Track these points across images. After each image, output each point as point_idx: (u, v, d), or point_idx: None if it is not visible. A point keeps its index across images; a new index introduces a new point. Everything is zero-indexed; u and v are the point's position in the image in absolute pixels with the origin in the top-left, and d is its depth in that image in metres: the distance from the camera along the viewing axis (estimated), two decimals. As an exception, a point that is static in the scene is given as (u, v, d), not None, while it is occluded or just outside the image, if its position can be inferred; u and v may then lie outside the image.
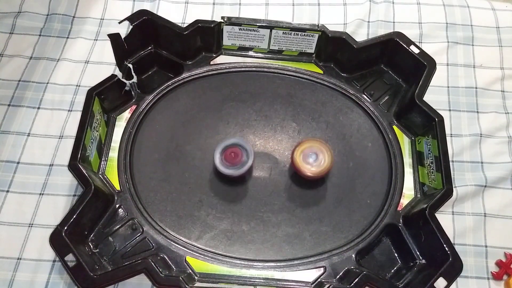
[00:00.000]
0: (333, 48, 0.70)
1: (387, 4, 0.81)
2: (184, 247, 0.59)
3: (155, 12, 0.73)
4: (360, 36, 0.78)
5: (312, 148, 0.61)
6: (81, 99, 0.67)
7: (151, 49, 0.71)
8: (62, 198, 0.64)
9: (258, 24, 0.69)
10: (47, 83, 0.72)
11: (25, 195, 0.64)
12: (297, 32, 0.70)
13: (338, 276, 0.57)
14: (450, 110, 0.72)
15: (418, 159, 0.66)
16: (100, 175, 0.62)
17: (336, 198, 0.63)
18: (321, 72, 0.72)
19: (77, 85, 0.73)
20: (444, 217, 0.63)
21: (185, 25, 0.70)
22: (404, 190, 0.64)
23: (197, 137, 0.67)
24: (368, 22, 0.80)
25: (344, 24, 0.80)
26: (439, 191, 0.59)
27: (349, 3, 0.82)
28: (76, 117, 0.64)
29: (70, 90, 0.72)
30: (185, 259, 0.58)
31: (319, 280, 0.57)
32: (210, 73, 0.72)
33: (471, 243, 0.63)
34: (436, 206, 0.57)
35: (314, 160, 0.61)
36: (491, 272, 0.61)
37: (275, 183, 0.64)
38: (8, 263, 0.59)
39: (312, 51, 0.72)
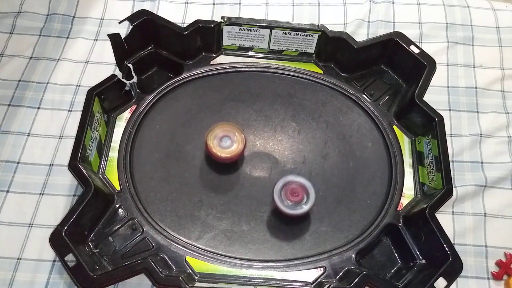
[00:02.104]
0: (333, 48, 0.70)
1: (387, 4, 0.81)
2: (184, 247, 0.59)
3: (155, 12, 0.73)
4: (360, 36, 0.78)
5: (224, 132, 0.62)
6: (81, 99, 0.67)
7: (151, 49, 0.71)
8: (62, 198, 0.64)
9: (258, 24, 0.69)
10: (47, 83, 0.72)
11: (25, 195, 0.64)
12: (297, 32, 0.70)
13: (338, 276, 0.57)
14: (450, 110, 0.72)
15: (418, 159, 0.66)
16: (100, 175, 0.62)
17: (336, 198, 0.63)
18: (321, 72, 0.72)
19: (77, 85, 0.73)
20: (444, 217, 0.63)
21: (185, 25, 0.70)
22: (404, 190, 0.64)
23: (197, 137, 0.67)
24: (368, 22, 0.80)
25: (344, 24, 0.80)
26: (439, 191, 0.59)
27: (349, 3, 0.82)
28: (76, 117, 0.64)
29: (70, 90, 0.72)
30: (185, 259, 0.58)
31: (319, 280, 0.57)
32: (210, 73, 0.72)
33: (471, 243, 0.63)
34: (436, 206, 0.57)
35: (227, 144, 0.61)
36: (491, 272, 0.61)
37: (275, 183, 0.64)
38: (8, 263, 0.59)
39: (312, 51, 0.73)
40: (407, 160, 0.66)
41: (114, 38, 0.65)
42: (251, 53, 0.73)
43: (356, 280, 0.53)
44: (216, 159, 0.62)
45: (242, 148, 0.61)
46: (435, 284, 0.52)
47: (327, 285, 0.54)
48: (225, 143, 0.61)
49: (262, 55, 0.74)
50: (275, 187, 0.59)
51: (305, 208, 0.58)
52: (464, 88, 0.74)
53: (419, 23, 0.80)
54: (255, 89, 0.71)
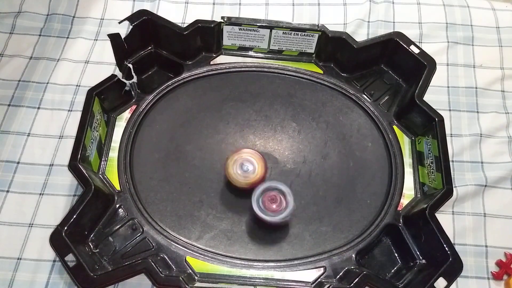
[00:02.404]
0: (333, 48, 0.70)
1: (387, 4, 0.81)
2: (184, 247, 0.59)
3: (155, 12, 0.73)
4: (360, 36, 0.78)
5: (245, 158, 0.59)
6: (81, 99, 0.67)
7: (151, 49, 0.71)
8: (62, 198, 0.64)
9: (258, 24, 0.69)
10: (47, 83, 0.72)
11: (25, 195, 0.64)
12: (297, 32, 0.70)
13: (338, 276, 0.57)
14: (450, 110, 0.72)
15: (418, 159, 0.66)
16: (100, 175, 0.62)
17: (336, 198, 0.63)
18: (321, 72, 0.72)
19: (77, 85, 0.73)
20: (444, 217, 0.63)
21: (185, 25, 0.70)
22: (404, 190, 0.64)
23: (197, 137, 0.67)
24: (368, 22, 0.80)
25: (344, 24, 0.80)
26: (439, 191, 0.59)
27: (349, 3, 0.82)
28: (76, 117, 0.64)
29: (70, 90, 0.72)
30: (185, 259, 0.58)
31: (319, 280, 0.57)
32: (210, 73, 0.72)
33: (471, 243, 0.63)
34: (436, 206, 0.57)
35: (247, 171, 0.59)
36: (491, 272, 0.61)
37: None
38: (8, 263, 0.59)
39: (312, 51, 0.72)
40: (407, 160, 0.66)
41: (114, 38, 0.65)
42: (251, 53, 0.73)
43: (356, 280, 0.53)
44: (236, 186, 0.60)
45: (263, 175, 0.59)
46: (435, 284, 0.52)
47: (327, 285, 0.54)
48: (246, 171, 0.58)
49: (262, 55, 0.74)
50: (253, 194, 0.57)
51: (281, 216, 0.56)
52: (464, 88, 0.74)
53: (419, 23, 0.80)
54: (255, 89, 0.71)
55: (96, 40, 0.77)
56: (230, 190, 0.63)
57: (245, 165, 0.59)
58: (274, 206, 0.57)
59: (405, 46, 0.67)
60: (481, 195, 0.65)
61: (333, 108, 0.70)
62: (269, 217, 0.57)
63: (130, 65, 0.68)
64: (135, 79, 0.69)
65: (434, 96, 0.71)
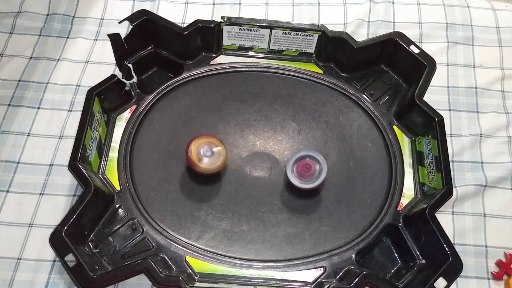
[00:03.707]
0: (333, 48, 0.70)
1: (387, 4, 0.81)
2: (184, 247, 0.59)
3: (155, 12, 0.73)
4: (360, 36, 0.78)
5: (208, 143, 0.61)
6: (81, 99, 0.67)
7: (151, 49, 0.71)
8: (62, 198, 0.63)
9: (258, 24, 0.69)
10: (47, 83, 0.72)
11: (25, 195, 0.64)
12: (297, 32, 0.70)
13: (338, 276, 0.57)
14: (450, 110, 0.72)
15: (418, 159, 0.66)
16: (100, 175, 0.62)
17: (336, 198, 0.63)
18: (321, 72, 0.72)
19: (77, 85, 0.73)
20: (444, 217, 0.63)
21: (185, 25, 0.70)
22: (404, 190, 0.64)
23: (197, 137, 0.67)
24: (368, 22, 0.80)
25: (344, 24, 0.80)
26: (439, 191, 0.59)
27: (349, 3, 0.82)
28: (76, 117, 0.64)
29: (70, 90, 0.72)
30: (185, 259, 0.58)
31: (319, 280, 0.57)
32: (210, 73, 0.72)
33: (471, 243, 0.63)
34: (436, 206, 0.57)
35: (209, 156, 0.60)
36: (491, 272, 0.61)
37: (275, 183, 0.64)
38: (8, 263, 0.59)
39: (312, 51, 0.72)
40: (407, 160, 0.66)
41: (114, 38, 0.65)
42: (251, 53, 0.73)
43: (356, 280, 0.53)
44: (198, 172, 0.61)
45: (223, 161, 0.61)
46: (435, 284, 0.52)
47: (327, 285, 0.54)
48: (207, 155, 0.60)
49: (262, 55, 0.74)
50: (288, 162, 0.61)
51: (317, 182, 0.60)
52: (464, 88, 0.74)
53: (419, 23, 0.80)
54: (255, 89, 0.71)
55: (96, 40, 0.77)
56: (231, 190, 0.63)
57: (208, 151, 0.60)
58: (308, 173, 0.60)
59: (405, 46, 0.67)
60: (481, 195, 0.65)
61: (333, 108, 0.70)
62: (304, 184, 0.60)
63: (130, 65, 0.68)
64: (135, 79, 0.69)
65: (434, 96, 0.71)
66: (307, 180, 0.61)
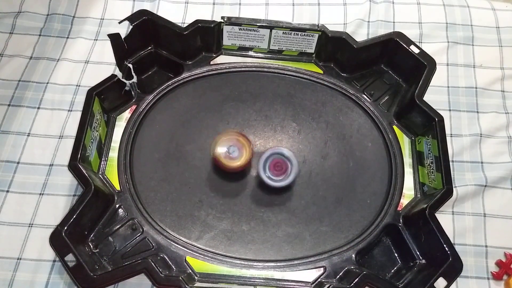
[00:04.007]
0: (333, 48, 0.70)
1: (387, 4, 0.81)
2: (184, 247, 0.59)
3: (155, 12, 0.73)
4: (360, 36, 0.78)
5: (231, 141, 0.61)
6: (81, 99, 0.67)
7: (151, 49, 0.71)
8: (62, 198, 0.64)
9: (258, 24, 0.69)
10: (47, 83, 0.72)
11: (25, 195, 0.64)
12: (297, 32, 0.70)
13: (338, 276, 0.57)
14: (450, 110, 0.72)
15: (418, 159, 0.66)
16: (100, 175, 0.62)
17: (336, 198, 0.63)
18: (321, 72, 0.72)
19: (77, 85, 0.73)
20: (444, 217, 0.63)
21: (185, 25, 0.70)
22: (404, 190, 0.64)
23: (197, 137, 0.67)
24: (368, 22, 0.80)
25: (344, 24, 0.80)
26: (439, 191, 0.59)
27: (349, 3, 0.82)
28: (76, 117, 0.64)
29: (70, 90, 0.72)
30: (185, 259, 0.58)
31: (319, 280, 0.57)
32: (210, 73, 0.72)
33: (471, 243, 0.63)
34: (436, 206, 0.57)
35: (235, 154, 0.60)
36: (491, 272, 0.61)
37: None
38: (8, 263, 0.59)
39: (312, 51, 0.73)
40: (407, 160, 0.66)
41: (114, 38, 0.65)
42: (251, 53, 0.73)
43: (356, 280, 0.53)
44: (225, 169, 0.61)
45: (249, 157, 0.61)
46: (435, 284, 0.52)
47: (327, 285, 0.54)
48: (233, 153, 0.61)
49: (262, 55, 0.74)
50: (259, 159, 0.60)
51: (287, 181, 0.60)
52: (464, 88, 0.74)
53: (419, 23, 0.80)
54: (255, 89, 0.71)
55: (96, 40, 0.77)
56: (231, 190, 0.63)
57: (232, 149, 0.60)
58: (279, 171, 0.60)
59: (405, 46, 0.67)
60: (481, 195, 0.65)
61: (333, 108, 0.70)
62: (276, 182, 0.60)
63: (130, 65, 0.68)
64: (135, 79, 0.69)
65: (434, 96, 0.71)
66: (280, 178, 0.60)
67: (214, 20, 0.69)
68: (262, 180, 0.60)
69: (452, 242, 0.55)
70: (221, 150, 0.60)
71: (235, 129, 0.63)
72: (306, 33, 0.70)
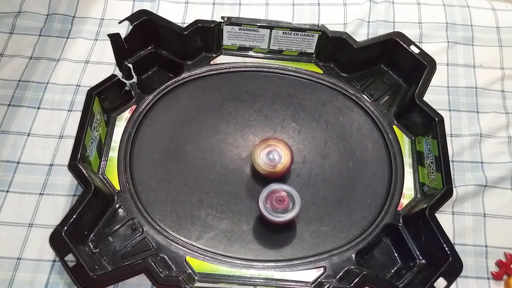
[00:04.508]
0: (333, 48, 0.70)
1: (387, 4, 0.81)
2: (184, 247, 0.59)
3: (155, 12, 0.73)
4: (360, 36, 0.78)
5: (273, 147, 0.61)
6: (81, 99, 0.67)
7: (151, 49, 0.71)
8: (62, 198, 0.64)
9: (258, 24, 0.69)
10: (47, 83, 0.72)
11: (25, 195, 0.64)
12: (297, 32, 0.70)
13: (338, 276, 0.57)
14: (450, 110, 0.72)
15: (418, 159, 0.66)
16: (100, 175, 0.62)
17: (336, 198, 0.63)
18: (321, 72, 0.72)
19: (77, 85, 0.73)
20: (444, 217, 0.63)
21: (185, 25, 0.70)
22: (404, 190, 0.64)
23: (197, 137, 0.67)
24: (368, 22, 0.80)
25: (344, 24, 0.80)
26: (439, 191, 0.59)
27: (349, 3, 0.82)
28: (76, 117, 0.64)
29: (70, 90, 0.72)
30: (185, 259, 0.58)
31: (319, 280, 0.57)
32: (210, 73, 0.72)
33: (471, 243, 0.63)
34: (436, 206, 0.57)
35: (274, 159, 0.60)
36: (491, 272, 0.61)
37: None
38: (8, 263, 0.59)
39: (312, 51, 0.72)
40: (407, 160, 0.66)
41: (114, 38, 0.65)
42: (251, 53, 0.73)
43: (356, 280, 0.53)
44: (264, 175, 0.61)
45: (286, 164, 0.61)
46: (435, 284, 0.52)
47: (327, 285, 0.54)
48: (272, 159, 0.60)
49: (262, 55, 0.74)
50: (260, 195, 0.59)
51: (290, 215, 0.57)
52: (464, 88, 0.74)
53: (419, 23, 0.80)
54: (255, 89, 0.71)
55: (96, 40, 0.77)
56: (231, 190, 0.63)
57: (272, 154, 0.60)
58: (281, 206, 0.58)
59: (405, 46, 0.67)
60: (481, 195, 0.65)
61: (333, 108, 0.70)
62: (276, 217, 0.57)
63: (130, 65, 0.68)
64: (135, 79, 0.69)
65: (434, 96, 0.71)
66: (281, 213, 0.58)
67: (214, 20, 0.69)
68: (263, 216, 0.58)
69: (452, 242, 0.55)
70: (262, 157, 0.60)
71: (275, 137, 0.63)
72: (306, 33, 0.70)
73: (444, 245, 0.54)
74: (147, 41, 0.70)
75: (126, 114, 0.68)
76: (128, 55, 0.69)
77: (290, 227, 0.61)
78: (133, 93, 0.69)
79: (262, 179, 0.64)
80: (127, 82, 0.67)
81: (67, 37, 0.77)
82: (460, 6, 0.81)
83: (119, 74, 0.67)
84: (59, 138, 0.68)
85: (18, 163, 0.66)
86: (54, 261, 0.60)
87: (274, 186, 0.59)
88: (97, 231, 0.59)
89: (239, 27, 0.70)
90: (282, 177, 0.63)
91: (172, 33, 0.68)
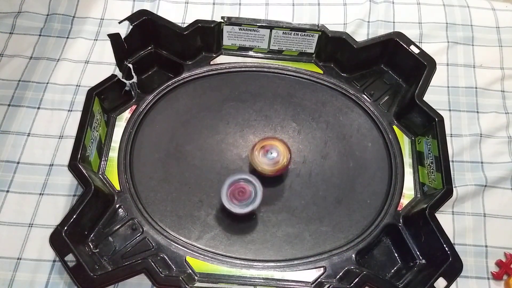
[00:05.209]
0: (333, 48, 0.70)
1: (387, 4, 0.81)
2: (184, 247, 0.59)
3: (155, 12, 0.73)
4: (360, 36, 0.78)
5: (271, 146, 0.61)
6: (81, 99, 0.67)
7: (151, 49, 0.71)
8: (62, 198, 0.64)
9: (258, 24, 0.69)
10: (47, 83, 0.72)
11: (25, 195, 0.64)
12: (297, 32, 0.70)
13: (338, 276, 0.57)
14: (450, 110, 0.72)
15: (418, 159, 0.66)
16: (100, 175, 0.62)
17: (336, 198, 0.63)
18: (321, 72, 0.72)
19: (77, 85, 0.73)
20: (444, 217, 0.63)
21: (185, 25, 0.70)
22: (404, 190, 0.64)
23: (197, 137, 0.67)
24: (368, 22, 0.80)
25: (344, 24, 0.80)
26: (439, 191, 0.59)
27: (349, 3, 0.82)
28: (76, 117, 0.64)
29: (70, 90, 0.72)
30: (185, 259, 0.58)
31: (319, 280, 0.57)
32: (210, 73, 0.72)
33: (471, 243, 0.63)
34: (436, 206, 0.57)
35: (272, 157, 0.60)
36: (491, 272, 0.61)
37: (275, 183, 0.64)
38: (8, 263, 0.59)
39: (312, 51, 0.73)
40: (407, 160, 0.66)
41: (114, 38, 0.65)
42: (251, 53, 0.73)
43: (356, 280, 0.53)
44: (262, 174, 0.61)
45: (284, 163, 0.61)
46: (435, 284, 0.52)
47: (327, 285, 0.54)
48: (270, 157, 0.60)
49: (262, 55, 0.74)
50: (222, 187, 0.59)
51: (251, 207, 0.58)
52: (464, 88, 0.74)
53: (419, 23, 0.80)
54: (255, 89, 0.71)
55: (96, 40, 0.77)
56: (230, 190, 0.63)
57: (270, 152, 0.60)
58: (242, 197, 0.58)
59: (405, 46, 0.67)
60: (481, 195, 0.65)
61: (333, 108, 0.70)
62: (237, 208, 0.58)
63: (130, 65, 0.68)
64: (135, 79, 0.69)
65: (434, 96, 0.71)
66: (243, 204, 0.58)
67: (214, 20, 0.69)
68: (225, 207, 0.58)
69: (452, 242, 0.55)
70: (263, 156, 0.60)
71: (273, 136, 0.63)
72: (306, 33, 0.70)
73: (444, 245, 0.54)
74: (147, 41, 0.70)
75: (126, 114, 0.68)
76: (128, 55, 0.69)
77: (289, 225, 0.61)
78: (133, 93, 0.69)
79: (262, 178, 0.64)
80: (127, 82, 0.67)
81: (67, 37, 0.77)
82: (460, 6, 0.81)
83: (119, 74, 0.67)
84: (59, 138, 0.68)
85: (18, 163, 0.66)
86: (54, 261, 0.60)
87: (231, 178, 0.59)
88: (97, 231, 0.59)
89: (239, 27, 0.70)
90: (280, 176, 0.63)
91: (172, 33, 0.68)
